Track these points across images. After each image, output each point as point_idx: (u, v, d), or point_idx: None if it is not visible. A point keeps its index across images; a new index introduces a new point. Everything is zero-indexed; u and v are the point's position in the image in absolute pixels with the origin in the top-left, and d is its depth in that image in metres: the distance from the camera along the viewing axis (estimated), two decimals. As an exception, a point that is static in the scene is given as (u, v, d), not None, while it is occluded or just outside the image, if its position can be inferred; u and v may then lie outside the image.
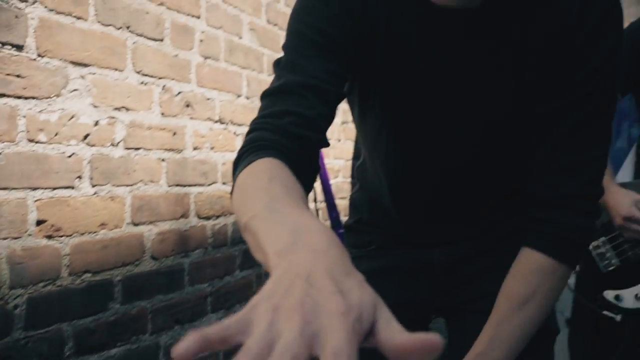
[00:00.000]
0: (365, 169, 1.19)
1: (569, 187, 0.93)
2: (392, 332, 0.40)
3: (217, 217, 2.13)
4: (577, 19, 0.87)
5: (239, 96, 2.26)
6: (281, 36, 2.34)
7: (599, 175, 0.95)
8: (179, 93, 1.93)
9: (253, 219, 0.61)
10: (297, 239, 0.53)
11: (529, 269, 0.95)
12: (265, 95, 0.88)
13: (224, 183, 2.16)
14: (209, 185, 2.08)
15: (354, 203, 1.24)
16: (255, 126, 0.85)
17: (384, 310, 0.43)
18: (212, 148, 2.09)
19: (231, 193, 0.78)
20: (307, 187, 0.83)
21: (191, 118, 1.98)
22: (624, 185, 1.72)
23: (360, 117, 1.08)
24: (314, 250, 0.50)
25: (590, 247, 1.70)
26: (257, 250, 0.59)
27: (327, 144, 0.90)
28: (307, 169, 0.84)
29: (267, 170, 0.74)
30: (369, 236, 1.18)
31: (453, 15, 0.90)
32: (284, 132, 0.82)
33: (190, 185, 1.98)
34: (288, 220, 0.58)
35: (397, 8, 0.92)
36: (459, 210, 1.09)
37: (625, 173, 1.90)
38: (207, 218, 2.08)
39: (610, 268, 1.68)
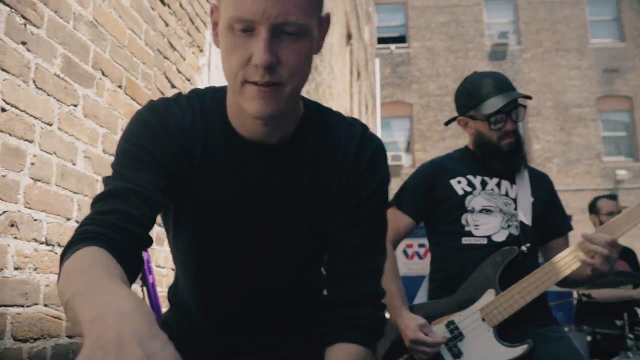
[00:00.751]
0: (177, 288, 1.30)
1: (367, 288, 1.16)
2: None
3: (36, 339, 2.05)
4: (354, 160, 1.14)
5: (68, 219, 2.28)
6: (115, 165, 2.43)
7: (381, 278, 1.19)
8: (4, 212, 1.93)
9: (73, 296, 0.70)
10: (107, 307, 0.62)
11: (345, 353, 1.09)
12: (96, 200, 1.00)
13: (45, 305, 2.11)
14: (29, 306, 2.02)
15: (165, 322, 1.32)
16: (84, 222, 0.96)
17: None
18: (35, 269, 2.06)
19: (57, 280, 0.85)
20: (131, 277, 0.92)
21: (15, 238, 1.97)
22: (415, 307, 1.98)
23: (173, 237, 1.21)
24: (122, 314, 0.60)
25: None
26: (75, 323, 0.67)
27: (150, 242, 1.02)
28: (130, 260, 0.94)
29: (90, 255, 0.84)
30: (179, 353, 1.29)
31: (255, 148, 1.11)
32: (109, 226, 0.93)
33: (7, 306, 1.92)
34: (103, 293, 0.67)
35: (212, 136, 1.11)
36: (264, 323, 1.22)
37: (422, 294, 2.16)
38: (24, 340, 1.99)
39: None
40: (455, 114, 2.17)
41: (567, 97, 18.06)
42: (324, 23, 1.07)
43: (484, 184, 2.03)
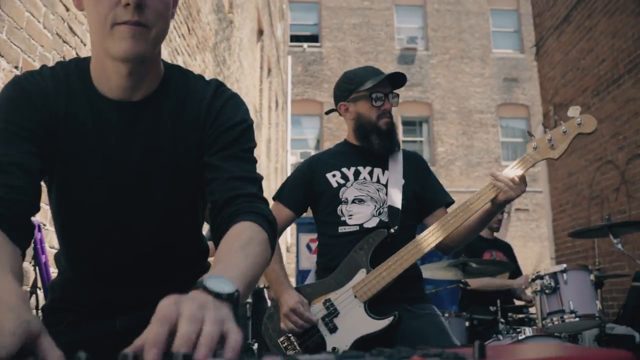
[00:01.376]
0: (60, 253, 1.34)
1: (251, 189, 1.19)
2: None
3: None
4: (208, 105, 1.23)
5: None
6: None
7: (262, 189, 1.24)
8: None
9: None
10: None
11: (243, 227, 1.09)
12: None
13: None
14: None
15: (51, 287, 1.37)
16: None
17: (48, 340, 0.68)
18: None
19: None
20: (23, 244, 1.02)
21: None
22: (298, 288, 2.14)
23: (50, 200, 1.25)
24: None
25: (278, 342, 2.05)
26: None
27: (37, 209, 1.09)
28: (20, 230, 1.01)
29: None
30: (62, 314, 1.28)
31: (119, 106, 1.17)
32: None
33: None
34: None
35: (76, 100, 1.16)
36: (139, 278, 1.26)
37: (311, 278, 2.31)
38: None
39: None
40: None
41: (470, 103, 18.83)
42: None
43: (357, 175, 2.19)
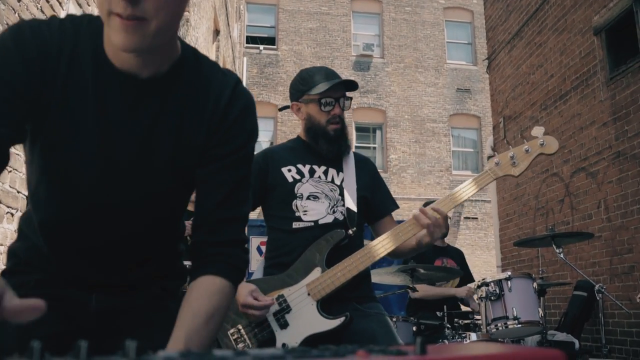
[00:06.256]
0: (29, 215, 1.25)
1: (233, 234, 1.19)
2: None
3: None
4: (225, 108, 1.16)
5: None
6: None
7: (245, 226, 1.25)
8: None
9: None
10: None
11: (212, 290, 1.11)
12: None
13: None
14: None
15: (13, 251, 1.27)
16: None
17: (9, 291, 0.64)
18: None
19: None
20: None
21: None
22: (250, 282, 2.11)
23: (29, 161, 1.17)
24: None
25: (228, 334, 2.02)
26: None
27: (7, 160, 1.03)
28: None
29: None
30: (26, 276, 1.21)
31: (125, 78, 1.09)
32: None
33: None
34: None
35: (81, 62, 1.08)
36: (113, 260, 1.20)
37: (258, 273, 2.31)
38: None
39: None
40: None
41: (423, 112, 19.13)
42: None
43: (312, 172, 2.20)
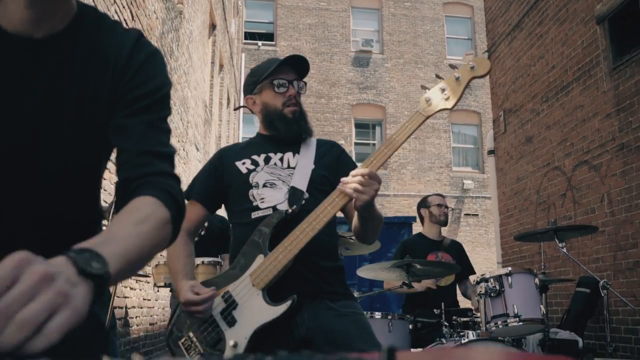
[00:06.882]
0: None
1: (160, 167, 1.07)
2: None
3: None
4: (127, 58, 1.09)
5: None
6: None
7: (174, 166, 1.13)
8: None
9: None
10: None
11: (144, 202, 0.99)
12: None
13: None
14: None
15: None
16: None
17: None
18: None
19: None
20: None
21: None
22: (203, 282, 1.99)
23: None
24: None
25: (179, 343, 1.93)
26: None
27: None
28: None
29: None
30: None
31: (17, 41, 1.00)
32: None
33: None
34: None
35: None
36: (20, 231, 1.06)
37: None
38: None
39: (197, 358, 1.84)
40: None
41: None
42: None
43: (267, 160, 2.10)
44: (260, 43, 18.78)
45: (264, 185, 2.04)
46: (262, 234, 1.94)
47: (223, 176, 2.11)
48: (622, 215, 5.81)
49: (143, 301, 5.82)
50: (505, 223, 8.49)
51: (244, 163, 2.10)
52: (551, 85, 7.32)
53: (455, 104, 1.96)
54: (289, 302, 1.84)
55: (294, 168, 2.08)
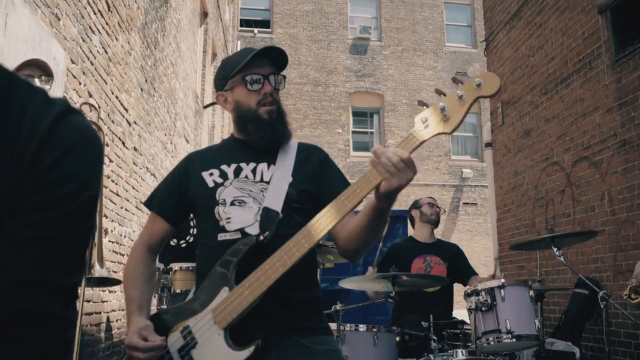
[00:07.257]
0: None
1: (44, 303, 0.81)
2: None
3: None
4: (41, 141, 0.80)
5: None
6: None
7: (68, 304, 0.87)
8: None
9: None
10: None
11: None
12: None
13: None
14: None
15: None
16: None
17: None
18: None
19: None
20: None
21: None
22: (161, 312, 1.81)
23: None
24: None
25: None
26: None
27: None
28: None
29: None
30: None
31: None
32: None
33: None
34: None
35: None
36: None
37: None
38: None
39: None
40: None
41: (422, 96, 18.69)
42: None
43: (237, 172, 1.85)
44: (256, 30, 18.46)
45: (232, 204, 1.79)
46: (229, 264, 1.70)
47: (188, 189, 1.88)
48: (623, 215, 5.58)
49: (124, 304, 5.62)
50: (503, 218, 8.27)
51: (211, 174, 1.85)
52: (550, 77, 7.06)
53: (455, 129, 1.65)
54: (252, 348, 1.61)
55: (267, 182, 1.82)
